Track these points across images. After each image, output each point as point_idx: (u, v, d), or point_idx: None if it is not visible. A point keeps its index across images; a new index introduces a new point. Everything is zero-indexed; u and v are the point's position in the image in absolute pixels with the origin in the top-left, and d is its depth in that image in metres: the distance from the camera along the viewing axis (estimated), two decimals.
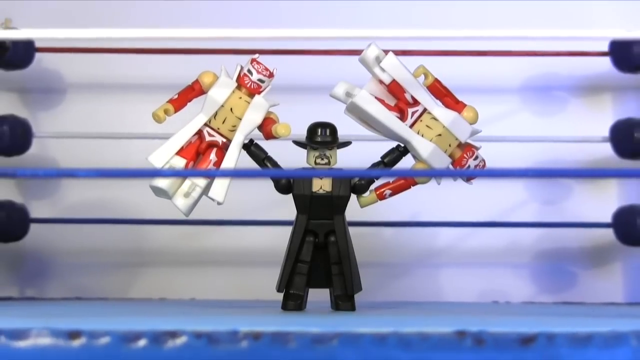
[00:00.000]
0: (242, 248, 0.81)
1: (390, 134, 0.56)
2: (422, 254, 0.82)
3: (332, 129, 0.56)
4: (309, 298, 0.57)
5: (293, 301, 0.56)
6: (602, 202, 0.82)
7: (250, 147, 0.57)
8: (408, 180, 0.57)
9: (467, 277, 0.81)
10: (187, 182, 0.55)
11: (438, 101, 0.57)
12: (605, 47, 0.78)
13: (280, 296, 0.57)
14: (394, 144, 0.57)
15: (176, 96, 0.56)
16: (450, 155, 0.56)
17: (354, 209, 0.57)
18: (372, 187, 0.57)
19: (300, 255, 0.56)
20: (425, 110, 0.56)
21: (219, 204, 0.56)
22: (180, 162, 0.55)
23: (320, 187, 0.56)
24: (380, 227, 0.79)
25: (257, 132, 0.56)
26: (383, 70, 0.56)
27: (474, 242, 0.81)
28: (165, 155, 0.55)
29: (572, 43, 0.77)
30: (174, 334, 0.35)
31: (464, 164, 0.57)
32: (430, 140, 0.56)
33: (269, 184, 0.57)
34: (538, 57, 0.79)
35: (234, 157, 0.55)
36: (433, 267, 0.82)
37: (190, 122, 0.56)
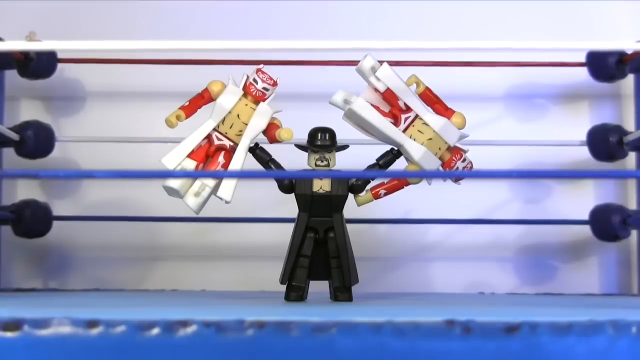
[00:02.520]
0: (248, 243, 0.81)
1: (384, 138, 0.56)
2: (414, 248, 0.82)
3: (331, 133, 0.56)
4: (309, 289, 0.57)
5: (295, 292, 0.56)
6: (580, 201, 0.82)
7: (255, 150, 0.57)
8: (401, 181, 0.57)
9: (455, 270, 0.81)
10: (198, 183, 0.55)
11: (429, 108, 0.56)
12: (582, 58, 0.78)
13: (283, 288, 0.57)
14: (388, 147, 0.57)
15: (187, 103, 0.56)
16: (440, 158, 0.56)
17: (351, 208, 0.57)
18: (368, 187, 0.57)
19: (301, 250, 0.56)
20: (417, 116, 0.56)
21: (226, 202, 0.55)
22: (191, 164, 0.55)
23: (320, 187, 0.56)
24: (376, 224, 0.79)
25: (262, 136, 0.56)
26: (378, 79, 0.55)
27: (462, 237, 0.81)
28: (177, 157, 0.55)
29: (552, 54, 0.77)
30: (185, 323, 0.35)
31: (452, 165, 0.56)
32: (422, 144, 0.56)
33: (273, 184, 0.57)
34: (521, 68, 0.79)
35: (241, 160, 0.55)
36: (424, 261, 0.82)
37: (200, 127, 0.56)
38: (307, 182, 0.56)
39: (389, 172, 0.58)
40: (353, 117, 0.56)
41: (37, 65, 0.75)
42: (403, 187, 0.57)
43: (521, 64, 0.77)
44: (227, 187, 0.55)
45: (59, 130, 0.79)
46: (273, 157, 0.57)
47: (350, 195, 0.57)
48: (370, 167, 0.57)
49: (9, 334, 0.35)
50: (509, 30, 0.82)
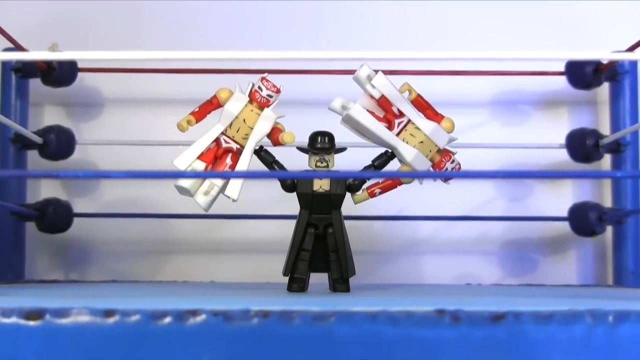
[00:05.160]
0: (253, 238, 0.81)
1: (379, 141, 0.56)
2: (407, 243, 0.82)
3: (330, 137, 0.56)
4: (310, 281, 0.57)
5: (297, 284, 0.56)
6: (559, 199, 0.81)
7: (260, 152, 0.56)
8: (395, 181, 0.56)
9: (445, 263, 0.81)
10: (207, 182, 0.55)
11: (420, 113, 0.56)
12: (562, 68, 0.78)
13: (286, 279, 0.56)
14: (382, 149, 0.57)
15: (197, 109, 0.56)
16: (431, 160, 0.56)
17: (349, 205, 0.57)
18: (365, 186, 0.57)
19: (303, 244, 0.56)
20: (409, 121, 0.56)
21: (233, 200, 0.55)
22: (200, 165, 0.55)
23: (320, 187, 0.55)
24: (371, 221, 0.79)
25: (266, 139, 0.56)
26: (373, 87, 0.55)
27: (451, 233, 0.81)
28: (188, 159, 0.55)
29: (533, 64, 0.77)
30: (194, 312, 0.35)
31: (442, 166, 0.56)
32: (414, 147, 0.55)
33: (276, 184, 0.57)
34: (505, 76, 0.79)
35: (247, 161, 0.55)
36: (416, 254, 0.82)
37: (209, 131, 0.55)
38: (308, 182, 0.55)
39: (384, 172, 0.57)
40: (350, 122, 0.56)
41: (59, 74, 0.75)
42: (396, 187, 0.57)
43: (505, 73, 0.77)
44: (234, 186, 0.55)
45: (79, 134, 0.79)
46: (276, 158, 0.57)
47: (348, 194, 0.56)
48: (366, 168, 0.57)
49: (31, 323, 0.35)
50: (496, 41, 0.82)
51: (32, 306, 0.35)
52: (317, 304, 0.36)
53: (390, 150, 0.56)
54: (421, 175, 0.57)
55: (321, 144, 0.56)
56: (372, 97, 0.56)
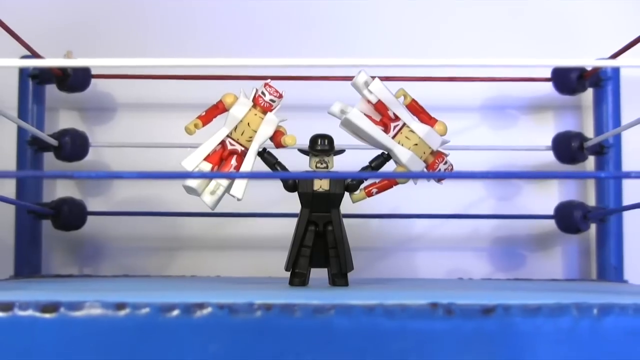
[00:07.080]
0: (257, 235, 0.81)
1: (376, 144, 0.56)
2: (402, 240, 0.81)
3: (330, 139, 0.56)
4: (311, 276, 0.57)
5: (298, 278, 0.56)
6: (546, 198, 0.81)
7: (263, 154, 0.56)
8: (391, 181, 0.56)
9: (438, 258, 0.81)
10: (213, 182, 0.55)
11: (415, 117, 0.56)
12: (548, 74, 0.78)
13: (287, 274, 0.56)
14: (379, 151, 0.57)
15: (204, 113, 0.55)
16: (425, 161, 0.56)
17: (347, 204, 0.57)
18: (362, 186, 0.56)
19: (304, 241, 0.55)
20: (404, 124, 0.56)
21: (238, 200, 0.55)
22: (207, 166, 0.55)
23: (320, 187, 0.55)
24: (368, 219, 0.79)
25: (269, 142, 0.56)
26: (371, 92, 0.55)
27: (443, 230, 0.81)
28: (195, 160, 0.55)
29: (521, 70, 0.77)
30: (201, 305, 0.35)
31: (435, 167, 0.56)
32: (409, 149, 0.55)
33: (279, 184, 0.57)
34: (494, 82, 0.78)
35: (251, 162, 0.55)
36: (410, 250, 0.81)
37: (215, 134, 0.55)
38: (309, 182, 0.55)
39: (380, 173, 0.57)
40: (349, 126, 0.56)
41: (74, 80, 0.75)
42: (392, 187, 0.57)
43: (495, 79, 0.77)
44: (239, 186, 0.55)
45: (92, 137, 0.78)
46: (279, 160, 0.56)
47: (346, 193, 0.56)
48: (364, 169, 0.57)
49: (47, 315, 0.34)
50: (486, 49, 0.82)
51: (48, 300, 0.35)
52: (317, 298, 0.36)
53: (386, 152, 0.56)
54: (416, 176, 0.57)
55: (321, 146, 0.55)
56: (369, 101, 0.56)
